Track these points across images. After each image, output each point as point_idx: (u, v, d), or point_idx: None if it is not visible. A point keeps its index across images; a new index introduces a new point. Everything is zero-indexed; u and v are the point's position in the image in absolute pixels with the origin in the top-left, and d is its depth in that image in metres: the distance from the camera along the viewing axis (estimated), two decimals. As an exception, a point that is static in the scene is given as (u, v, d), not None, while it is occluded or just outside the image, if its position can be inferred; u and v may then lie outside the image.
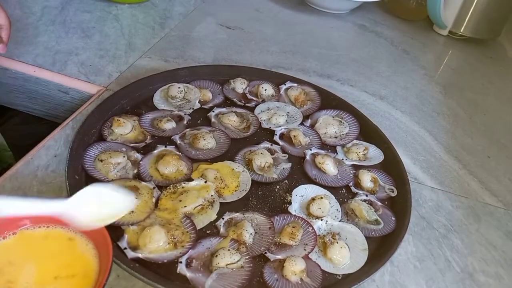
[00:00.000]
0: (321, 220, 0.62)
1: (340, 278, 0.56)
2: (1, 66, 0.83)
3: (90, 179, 0.61)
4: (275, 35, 1.11)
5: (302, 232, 0.59)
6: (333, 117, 0.80)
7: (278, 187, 0.67)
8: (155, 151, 0.67)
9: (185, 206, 0.59)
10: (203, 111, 0.78)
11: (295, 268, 0.54)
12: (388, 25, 1.29)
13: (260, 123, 0.77)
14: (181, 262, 0.53)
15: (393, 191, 0.68)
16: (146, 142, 0.69)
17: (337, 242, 0.58)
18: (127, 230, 0.55)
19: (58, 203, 0.46)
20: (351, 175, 0.71)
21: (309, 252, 0.58)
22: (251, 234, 0.57)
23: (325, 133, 0.77)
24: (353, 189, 0.68)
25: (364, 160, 0.74)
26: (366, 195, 0.67)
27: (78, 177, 0.60)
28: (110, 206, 0.49)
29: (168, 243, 0.54)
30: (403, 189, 0.68)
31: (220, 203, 0.62)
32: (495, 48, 1.30)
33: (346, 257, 0.57)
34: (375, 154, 0.75)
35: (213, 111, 0.77)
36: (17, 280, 0.45)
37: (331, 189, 0.67)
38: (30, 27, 0.94)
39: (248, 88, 0.84)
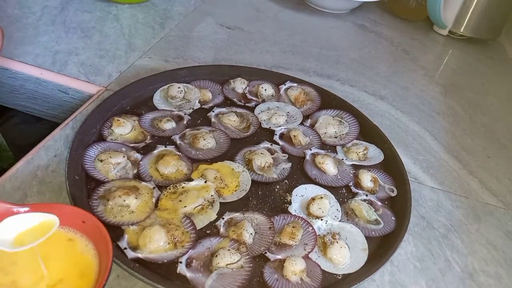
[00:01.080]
0: (321, 220, 0.62)
1: (340, 278, 0.56)
2: (1, 66, 0.83)
3: (90, 179, 0.61)
4: (275, 35, 1.11)
5: (302, 232, 0.59)
6: (333, 117, 0.80)
7: (278, 187, 0.67)
8: (155, 151, 0.67)
9: (185, 206, 0.59)
10: (203, 111, 0.78)
11: (295, 268, 0.54)
12: (388, 25, 1.29)
13: (260, 123, 0.77)
14: (181, 262, 0.53)
15: (393, 191, 0.68)
16: (146, 142, 0.69)
17: (337, 242, 0.58)
18: (127, 230, 0.55)
19: None
20: (351, 175, 0.71)
21: (309, 252, 0.58)
22: (251, 234, 0.57)
23: (325, 133, 0.77)
24: (353, 189, 0.68)
25: (364, 160, 0.74)
26: (366, 195, 0.67)
27: (78, 177, 0.60)
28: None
29: (168, 243, 0.54)
30: (403, 189, 0.68)
31: (220, 203, 0.62)
32: (495, 48, 1.30)
33: (346, 257, 0.57)
34: (375, 154, 0.75)
35: (213, 111, 0.77)
36: (20, 280, 0.45)
37: (331, 189, 0.67)
38: (30, 27, 0.94)
39: (248, 88, 0.84)
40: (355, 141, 0.77)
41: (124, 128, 0.69)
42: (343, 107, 0.82)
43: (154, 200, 0.60)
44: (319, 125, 0.78)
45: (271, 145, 0.73)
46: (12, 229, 0.46)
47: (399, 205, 0.67)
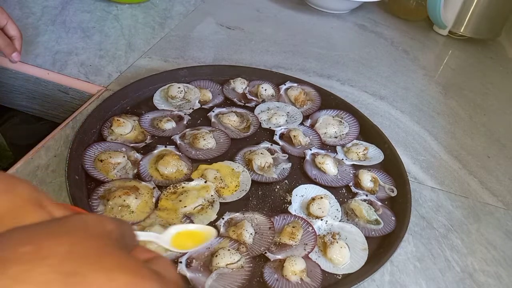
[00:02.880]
0: (321, 220, 0.62)
1: (340, 278, 0.56)
2: (1, 66, 0.83)
3: (90, 179, 0.61)
4: (275, 35, 1.11)
5: (302, 232, 0.59)
6: (333, 117, 0.80)
7: (278, 187, 0.67)
8: (155, 151, 0.67)
9: (185, 206, 0.59)
10: (203, 111, 0.78)
11: (295, 268, 0.54)
12: (388, 25, 1.29)
13: (260, 123, 0.77)
14: (181, 262, 0.53)
15: (393, 191, 0.68)
16: (146, 142, 0.69)
17: (337, 242, 0.58)
18: (127, 230, 0.55)
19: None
20: (351, 175, 0.71)
21: (309, 252, 0.58)
22: (251, 234, 0.57)
23: (325, 133, 0.77)
24: (353, 189, 0.68)
25: (364, 160, 0.74)
26: (366, 195, 0.67)
27: (78, 177, 0.60)
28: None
29: (168, 243, 0.54)
30: (403, 189, 0.68)
31: (220, 203, 0.62)
32: (495, 48, 1.30)
33: (346, 257, 0.57)
34: (375, 154, 0.75)
35: (213, 111, 0.77)
36: None
37: (331, 189, 0.67)
38: (30, 27, 0.94)
39: (248, 88, 0.84)
40: (355, 141, 0.77)
41: (124, 128, 0.69)
42: (343, 107, 0.82)
43: (154, 200, 0.60)
44: (319, 125, 0.78)
45: (271, 145, 0.73)
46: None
47: (399, 205, 0.66)
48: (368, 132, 0.79)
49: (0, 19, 0.74)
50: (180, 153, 0.68)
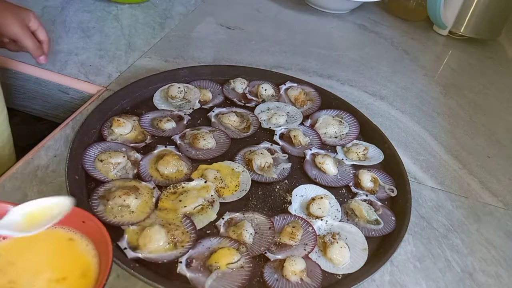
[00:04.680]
0: (321, 220, 0.62)
1: (340, 278, 0.56)
2: (1, 66, 0.83)
3: (90, 179, 0.61)
4: (275, 35, 1.11)
5: (302, 232, 0.59)
6: (333, 117, 0.80)
7: (278, 187, 0.67)
8: (155, 151, 0.67)
9: (185, 206, 0.59)
10: (203, 111, 0.78)
11: (295, 268, 0.54)
12: (388, 25, 1.29)
13: (260, 123, 0.77)
14: (181, 262, 0.53)
15: (393, 191, 0.68)
16: (146, 142, 0.69)
17: (337, 242, 0.58)
18: (127, 230, 0.55)
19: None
20: (351, 175, 0.71)
21: (309, 252, 0.58)
22: (251, 234, 0.57)
23: (325, 133, 0.77)
24: (353, 189, 0.68)
25: (364, 160, 0.74)
26: (366, 195, 0.67)
27: (78, 177, 0.60)
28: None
29: (168, 243, 0.54)
30: (403, 189, 0.68)
31: (220, 203, 0.62)
32: (495, 48, 1.30)
33: (346, 257, 0.57)
34: (375, 154, 0.75)
35: (213, 111, 0.77)
36: (18, 280, 0.45)
37: (331, 189, 0.67)
38: (30, 27, 0.94)
39: (248, 88, 0.84)
40: (355, 141, 0.77)
41: (124, 128, 0.69)
42: (343, 107, 0.82)
43: (154, 200, 0.60)
44: (319, 125, 0.78)
45: (271, 145, 0.73)
46: (21, 213, 0.46)
47: (399, 205, 0.66)
48: (368, 132, 0.79)
49: (33, 24, 0.76)
50: (180, 153, 0.68)
